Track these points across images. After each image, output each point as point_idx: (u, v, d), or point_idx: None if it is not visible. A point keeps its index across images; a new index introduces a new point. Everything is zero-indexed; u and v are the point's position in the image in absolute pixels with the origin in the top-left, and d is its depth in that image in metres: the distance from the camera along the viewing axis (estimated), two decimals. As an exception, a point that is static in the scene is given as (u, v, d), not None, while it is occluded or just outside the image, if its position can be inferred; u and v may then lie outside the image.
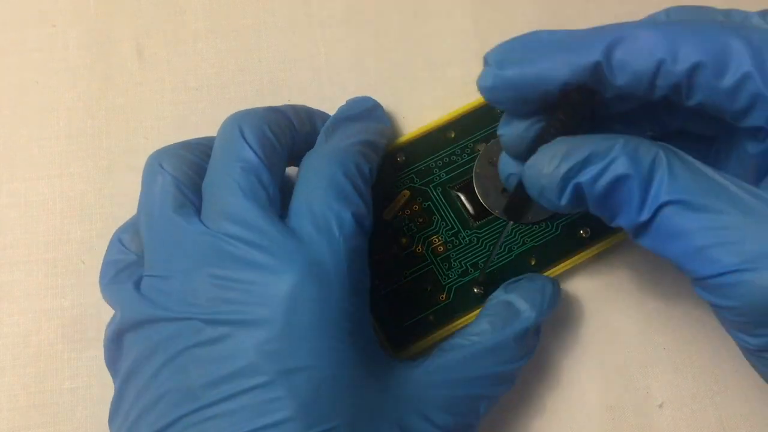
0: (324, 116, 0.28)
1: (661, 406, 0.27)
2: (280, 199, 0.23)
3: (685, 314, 0.28)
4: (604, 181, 0.19)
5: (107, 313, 0.24)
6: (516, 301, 0.25)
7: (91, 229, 0.29)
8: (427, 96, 0.31)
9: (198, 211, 0.23)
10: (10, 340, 0.28)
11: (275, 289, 0.21)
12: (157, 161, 0.24)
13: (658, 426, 0.27)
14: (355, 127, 0.27)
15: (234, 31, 0.32)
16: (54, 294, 0.28)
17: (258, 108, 0.25)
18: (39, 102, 0.31)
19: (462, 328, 0.25)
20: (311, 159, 0.24)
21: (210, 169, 0.24)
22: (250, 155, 0.23)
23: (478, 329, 0.24)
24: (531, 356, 0.25)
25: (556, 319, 0.28)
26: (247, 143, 0.23)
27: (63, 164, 0.30)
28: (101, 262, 0.24)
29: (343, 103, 0.29)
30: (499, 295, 0.26)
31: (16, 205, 0.29)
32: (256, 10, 0.32)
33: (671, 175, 0.19)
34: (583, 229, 0.28)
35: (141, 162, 0.30)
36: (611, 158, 0.19)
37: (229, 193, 0.22)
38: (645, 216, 0.19)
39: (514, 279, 0.26)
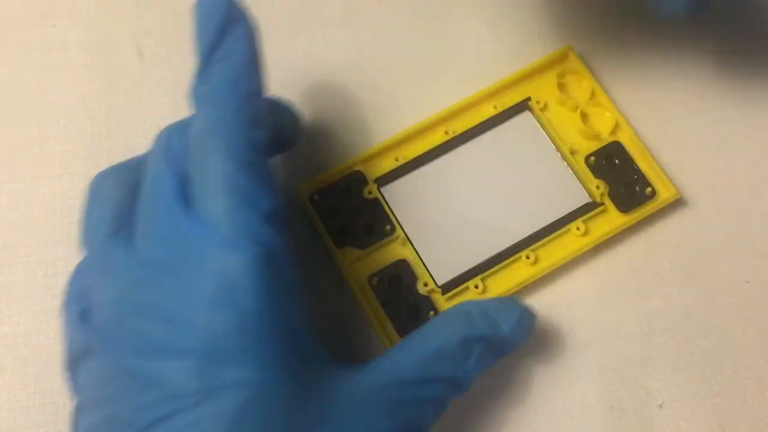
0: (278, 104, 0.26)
1: (661, 406, 0.27)
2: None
3: (685, 314, 0.28)
4: None
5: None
6: (473, 312, 0.24)
7: (91, 229, 0.29)
8: (428, 96, 0.31)
9: (130, 231, 0.22)
10: (10, 340, 0.28)
11: (195, 313, 0.20)
12: (97, 185, 0.24)
13: (658, 426, 0.27)
14: (226, 72, 0.22)
15: (234, 31, 0.32)
16: (54, 294, 0.28)
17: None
18: (39, 102, 0.31)
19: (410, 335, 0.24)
20: (197, 148, 0.22)
21: (141, 188, 0.23)
22: (174, 171, 0.22)
23: (427, 332, 0.24)
24: (481, 367, 0.23)
25: (556, 319, 0.28)
26: (174, 159, 0.22)
27: (63, 164, 0.30)
28: None
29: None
30: (460, 305, 0.25)
31: (16, 205, 0.29)
32: (256, 10, 0.32)
33: None
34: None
35: (141, 162, 0.30)
36: None
37: (153, 215, 0.22)
38: None
39: (484, 299, 0.26)
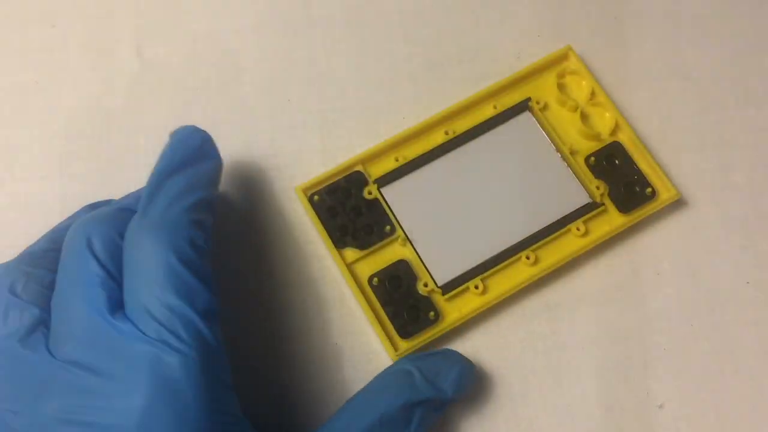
0: None
1: (661, 406, 0.27)
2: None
3: (685, 314, 0.28)
4: None
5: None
6: (414, 373, 0.24)
7: (91, 229, 0.29)
8: (428, 96, 0.31)
9: (45, 329, 0.22)
10: (10, 340, 0.28)
11: (126, 414, 0.19)
12: (1, 282, 0.22)
13: (658, 426, 0.27)
14: (183, 182, 0.23)
15: (234, 31, 0.32)
16: (54, 294, 0.28)
17: (106, 210, 0.24)
18: (39, 102, 0.31)
19: (354, 396, 0.24)
20: (136, 238, 0.22)
21: (58, 287, 0.22)
22: (98, 270, 0.21)
23: (369, 397, 0.24)
24: (423, 429, 0.23)
25: (556, 319, 0.28)
26: (96, 257, 0.22)
27: (63, 164, 0.30)
28: None
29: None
30: (403, 363, 0.25)
31: (16, 205, 0.29)
32: (256, 10, 0.32)
33: None
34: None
35: (141, 162, 0.30)
36: None
37: (75, 315, 0.21)
38: None
39: (427, 352, 0.26)
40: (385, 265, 0.27)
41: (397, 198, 0.28)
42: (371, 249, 0.28)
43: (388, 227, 0.28)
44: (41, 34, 0.32)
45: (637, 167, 0.29)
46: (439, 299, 0.27)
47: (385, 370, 0.25)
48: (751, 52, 0.32)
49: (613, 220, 0.28)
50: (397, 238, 0.28)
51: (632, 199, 0.28)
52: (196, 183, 0.24)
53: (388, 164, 0.29)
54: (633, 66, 0.31)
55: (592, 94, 0.30)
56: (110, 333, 0.20)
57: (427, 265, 0.27)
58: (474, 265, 0.27)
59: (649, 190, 0.28)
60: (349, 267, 0.27)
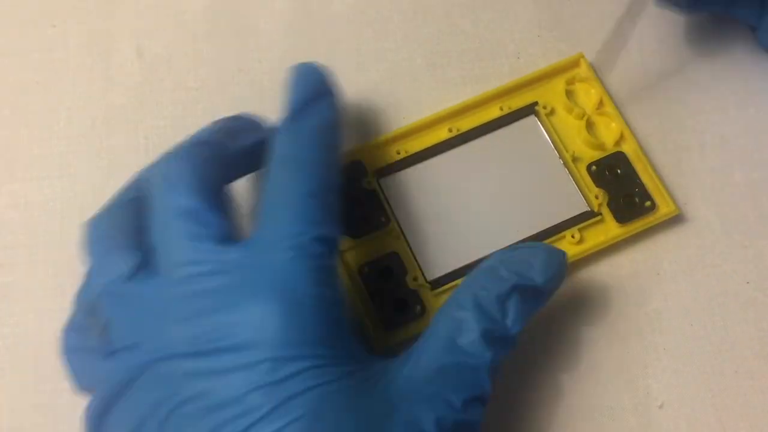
0: (252, 124, 0.27)
1: (661, 406, 0.27)
2: (230, 226, 0.23)
3: (684, 314, 0.28)
4: None
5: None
6: (499, 266, 0.24)
7: (91, 230, 0.29)
8: (428, 96, 0.31)
9: (151, 268, 0.23)
10: (11, 341, 0.28)
11: (256, 324, 0.21)
12: (95, 233, 0.24)
13: (658, 426, 0.27)
14: (314, 120, 0.25)
15: (234, 31, 0.32)
16: (54, 294, 0.28)
17: (180, 147, 0.25)
18: (39, 102, 0.31)
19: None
20: (276, 171, 0.24)
21: (155, 224, 0.23)
22: (186, 202, 0.23)
23: (459, 297, 0.24)
24: (522, 318, 0.23)
25: (555, 320, 0.28)
26: (179, 192, 0.23)
27: (63, 164, 0.30)
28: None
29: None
30: (489, 261, 0.25)
31: (16, 206, 0.29)
32: (256, 10, 0.32)
33: None
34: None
35: (141, 162, 0.30)
36: None
37: (178, 243, 0.22)
38: None
39: (514, 246, 0.25)
40: (376, 256, 0.27)
41: (395, 190, 0.28)
42: (364, 238, 0.28)
43: (382, 218, 0.28)
44: (41, 34, 0.32)
45: (639, 179, 0.28)
46: (427, 294, 0.27)
47: (474, 269, 0.25)
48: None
49: (609, 230, 0.28)
50: (390, 230, 0.28)
51: (631, 211, 0.28)
52: (326, 122, 0.25)
53: (389, 156, 0.29)
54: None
55: (600, 103, 0.30)
56: (219, 256, 0.22)
57: (418, 259, 0.27)
58: (466, 263, 0.27)
59: (648, 203, 0.28)
60: (341, 254, 0.27)
